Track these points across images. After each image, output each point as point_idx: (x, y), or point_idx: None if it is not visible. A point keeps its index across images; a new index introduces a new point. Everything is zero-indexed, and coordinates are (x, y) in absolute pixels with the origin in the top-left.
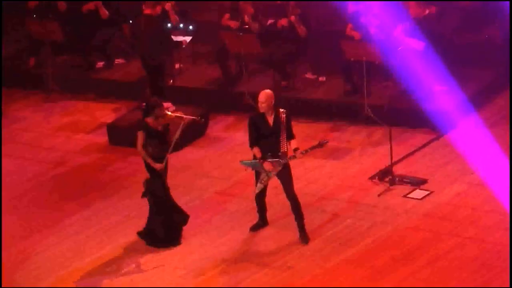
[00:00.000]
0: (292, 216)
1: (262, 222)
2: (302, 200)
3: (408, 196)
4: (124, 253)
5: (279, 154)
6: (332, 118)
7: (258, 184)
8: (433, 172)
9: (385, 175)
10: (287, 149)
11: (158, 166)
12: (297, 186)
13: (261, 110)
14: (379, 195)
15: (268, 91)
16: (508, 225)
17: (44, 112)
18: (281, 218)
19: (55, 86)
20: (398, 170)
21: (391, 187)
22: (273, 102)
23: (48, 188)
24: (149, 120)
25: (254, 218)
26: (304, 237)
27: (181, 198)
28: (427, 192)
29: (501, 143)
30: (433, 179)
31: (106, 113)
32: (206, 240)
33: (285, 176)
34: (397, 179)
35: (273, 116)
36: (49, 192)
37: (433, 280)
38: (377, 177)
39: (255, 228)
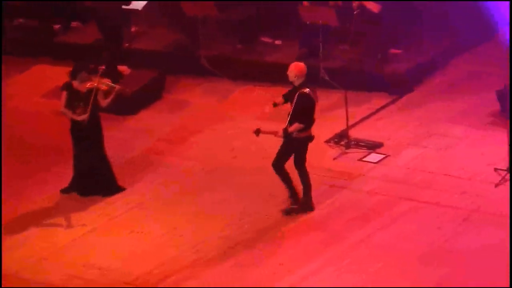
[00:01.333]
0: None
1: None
2: (259, 164)
3: (363, 159)
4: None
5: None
6: (289, 82)
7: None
8: (389, 135)
9: (341, 138)
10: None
11: (81, 117)
12: (253, 149)
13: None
14: (334, 159)
15: (295, 63)
16: (463, 189)
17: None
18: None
19: (12, 49)
20: (354, 133)
21: (346, 151)
22: (299, 76)
23: (2, 151)
24: (75, 83)
25: (212, 181)
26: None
27: (139, 161)
28: (382, 156)
29: (455, 107)
30: (388, 142)
31: (62, 76)
32: (161, 205)
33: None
34: (353, 142)
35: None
36: (4, 154)
37: (389, 243)
38: (332, 141)
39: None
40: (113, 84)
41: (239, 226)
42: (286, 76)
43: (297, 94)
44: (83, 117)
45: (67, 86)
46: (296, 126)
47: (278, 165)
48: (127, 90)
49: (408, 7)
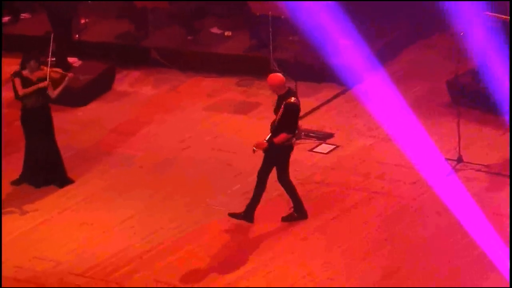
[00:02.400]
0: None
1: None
2: (208, 155)
3: (314, 150)
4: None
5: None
6: (238, 73)
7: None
8: (339, 126)
9: None
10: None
11: (44, 83)
12: (205, 139)
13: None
14: None
15: (271, 75)
16: (414, 179)
17: None
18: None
19: None
20: (304, 124)
21: (297, 141)
22: (279, 87)
23: None
24: (24, 72)
25: (161, 173)
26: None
27: (89, 153)
28: (333, 147)
29: (405, 97)
30: (339, 133)
31: (12, 68)
32: (112, 196)
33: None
34: (303, 133)
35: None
36: None
37: (340, 233)
38: None
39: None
40: (64, 73)
41: (188, 216)
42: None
43: (283, 105)
44: (45, 83)
45: (18, 74)
46: (284, 136)
47: (284, 179)
48: (71, 76)
49: None
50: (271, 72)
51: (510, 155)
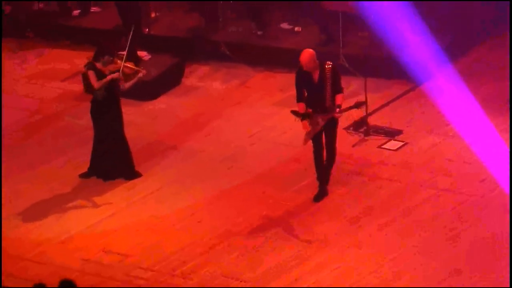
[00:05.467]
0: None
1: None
2: (276, 150)
3: (382, 147)
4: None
5: (326, 107)
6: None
7: (305, 137)
8: (408, 123)
9: (360, 125)
10: (333, 103)
11: (115, 74)
12: (272, 135)
13: (307, 70)
14: (353, 146)
15: (309, 51)
16: (483, 177)
17: (19, 59)
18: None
19: (31, 33)
20: (373, 121)
21: (366, 138)
22: (316, 60)
23: (23, 135)
24: (98, 64)
25: (230, 166)
26: (322, 193)
27: (157, 146)
28: (401, 143)
29: (475, 94)
30: (408, 130)
31: (81, 61)
32: (179, 190)
33: (330, 128)
34: (372, 130)
35: (318, 71)
36: (24, 139)
37: (408, 231)
38: (352, 128)
39: (318, 198)
40: (137, 68)
41: (256, 212)
42: (304, 67)
43: (331, 69)
44: (117, 74)
45: (92, 66)
46: (342, 96)
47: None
48: (143, 73)
49: None
50: (341, 67)
51: (510, 152)
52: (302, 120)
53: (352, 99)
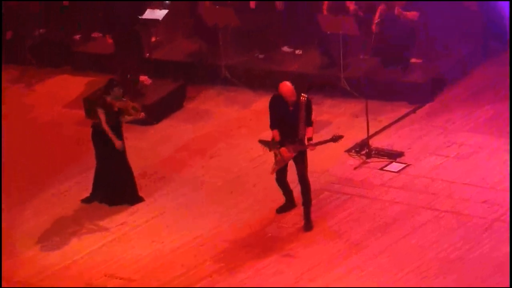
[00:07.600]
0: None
1: (289, 204)
2: None
3: (384, 169)
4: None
5: (297, 140)
6: (309, 91)
7: (273, 166)
8: (409, 145)
9: (362, 148)
10: (304, 135)
11: (118, 143)
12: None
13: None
14: (355, 168)
15: (290, 84)
16: (485, 198)
17: (21, 85)
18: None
19: (32, 59)
20: (375, 143)
21: (367, 160)
22: (294, 94)
23: (24, 161)
24: (108, 98)
25: (233, 191)
26: (308, 225)
27: (160, 170)
28: (403, 165)
29: (477, 115)
30: (409, 152)
31: (82, 86)
32: (182, 214)
33: (300, 161)
34: (373, 152)
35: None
36: (26, 164)
37: (410, 253)
38: (353, 150)
39: (282, 210)
40: (139, 111)
41: (261, 235)
42: (287, 99)
43: (305, 102)
44: (120, 144)
45: (103, 103)
46: (312, 129)
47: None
48: (145, 117)
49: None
50: (342, 90)
51: (510, 159)
52: (270, 150)
53: (352, 122)
